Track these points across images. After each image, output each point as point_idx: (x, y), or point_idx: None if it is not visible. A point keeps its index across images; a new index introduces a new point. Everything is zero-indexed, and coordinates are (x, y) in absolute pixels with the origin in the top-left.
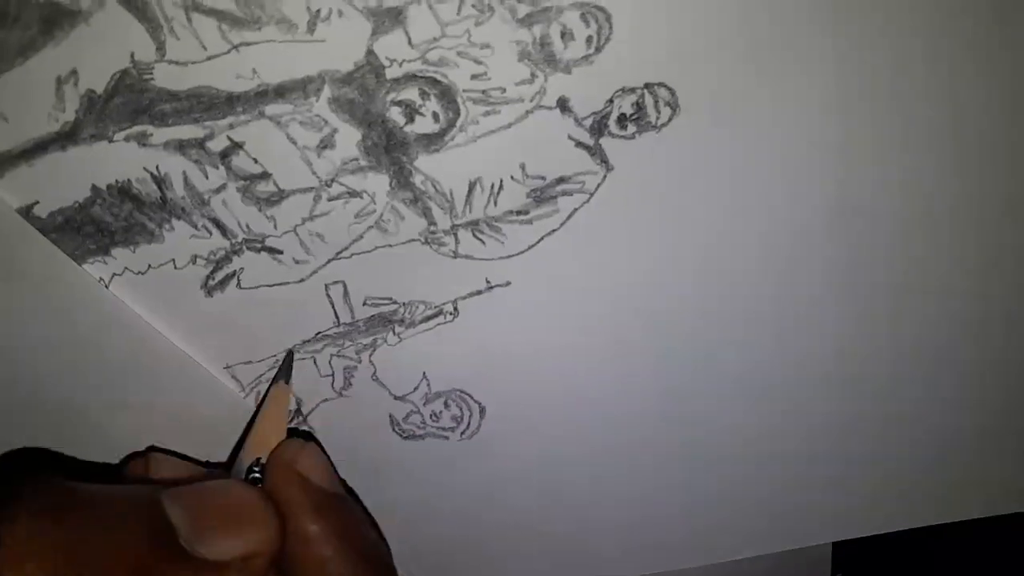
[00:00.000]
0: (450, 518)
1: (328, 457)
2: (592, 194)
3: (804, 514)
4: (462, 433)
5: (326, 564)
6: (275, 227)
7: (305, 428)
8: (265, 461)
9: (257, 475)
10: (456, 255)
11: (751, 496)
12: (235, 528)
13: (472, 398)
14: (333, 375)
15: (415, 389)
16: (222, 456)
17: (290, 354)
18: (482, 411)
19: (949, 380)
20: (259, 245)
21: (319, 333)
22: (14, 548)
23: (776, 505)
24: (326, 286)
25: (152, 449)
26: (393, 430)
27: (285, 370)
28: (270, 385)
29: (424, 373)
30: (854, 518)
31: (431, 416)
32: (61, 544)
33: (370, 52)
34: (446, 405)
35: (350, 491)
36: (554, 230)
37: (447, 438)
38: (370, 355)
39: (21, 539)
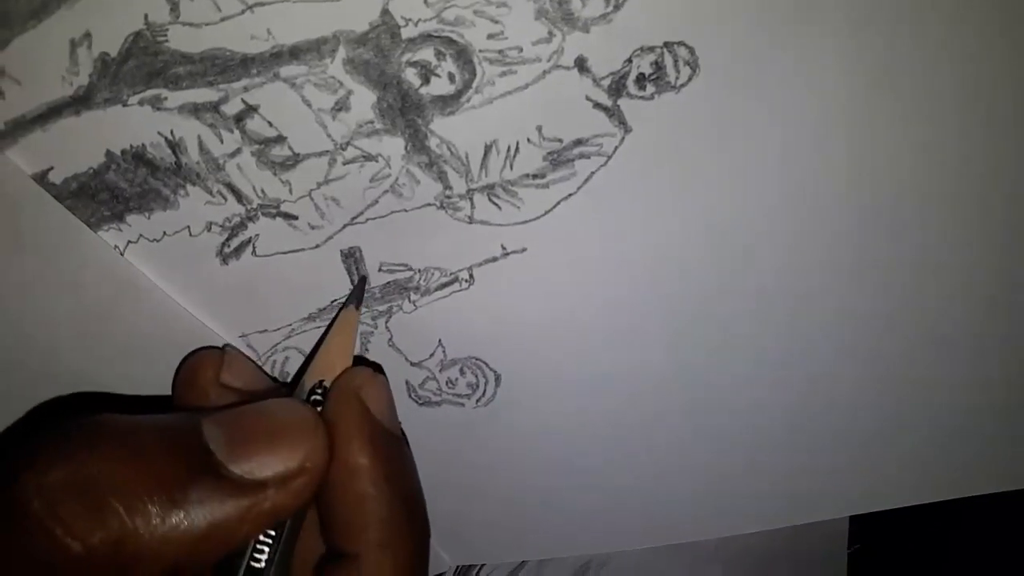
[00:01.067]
0: (465, 485)
1: (392, 394)
2: (610, 157)
3: (821, 488)
4: (477, 400)
5: (365, 501)
6: (290, 192)
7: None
8: (329, 384)
9: (319, 397)
10: (472, 220)
11: (768, 467)
12: (275, 444)
13: (488, 366)
14: None
15: (431, 356)
16: None
17: (363, 279)
18: (497, 379)
19: (966, 355)
20: (274, 211)
21: (334, 301)
22: (45, 474)
23: (793, 477)
24: (342, 253)
25: (228, 346)
26: (409, 396)
27: (357, 295)
28: (340, 310)
29: (440, 340)
30: (871, 492)
31: (447, 383)
32: (90, 469)
33: (385, 11)
34: (462, 372)
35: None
36: (571, 194)
37: (463, 405)
38: (386, 321)
39: (51, 465)
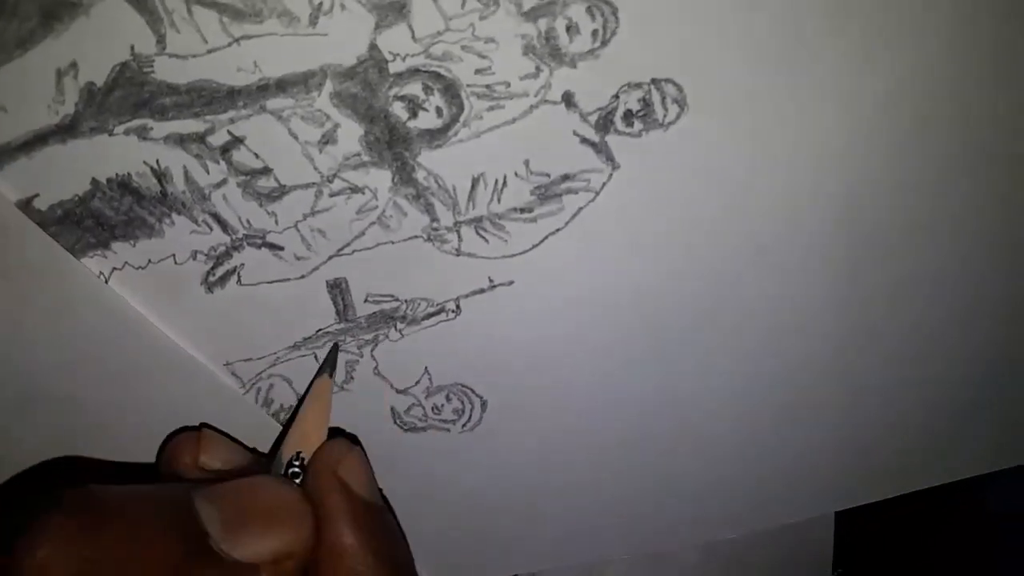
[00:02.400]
0: (451, 509)
1: (369, 463)
2: (598, 193)
3: (805, 487)
4: (463, 425)
5: None
6: (276, 223)
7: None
8: (307, 457)
9: (297, 469)
10: (459, 253)
11: (751, 474)
12: (267, 528)
13: (474, 392)
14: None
15: (417, 383)
16: None
17: (335, 348)
18: (483, 404)
19: (942, 352)
20: (260, 241)
21: (320, 330)
22: (44, 560)
23: (777, 478)
24: (327, 283)
25: (204, 426)
26: (395, 423)
27: (330, 363)
28: (314, 378)
29: (426, 367)
30: (852, 488)
31: (433, 409)
32: (89, 554)
33: (373, 46)
34: (448, 398)
35: (385, 500)
36: (558, 229)
37: (448, 430)
38: (372, 350)
39: (50, 551)
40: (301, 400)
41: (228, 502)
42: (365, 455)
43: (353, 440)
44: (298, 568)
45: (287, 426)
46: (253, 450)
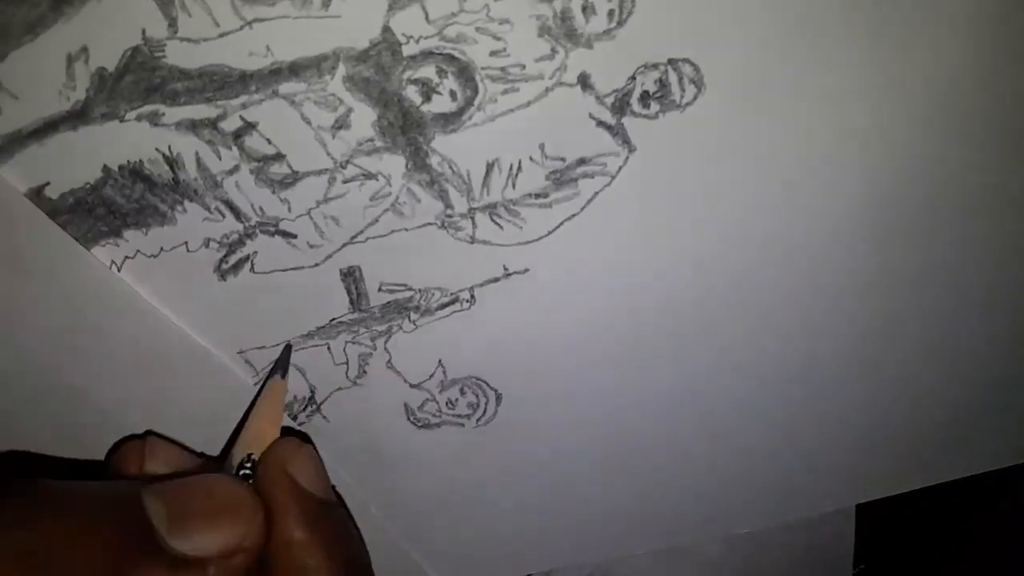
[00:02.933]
0: (465, 506)
1: (321, 460)
2: (614, 177)
3: (823, 480)
4: (478, 420)
5: (307, 573)
6: (289, 210)
7: (320, 417)
8: (258, 457)
9: (248, 471)
10: (473, 240)
11: (770, 467)
12: (215, 523)
13: (488, 385)
14: (347, 363)
15: (430, 376)
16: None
17: (288, 348)
18: (498, 398)
19: (963, 345)
20: (273, 228)
21: (333, 319)
22: None
23: (796, 471)
24: (341, 271)
25: (150, 433)
26: (408, 419)
27: (282, 364)
28: (266, 378)
29: (440, 360)
30: (873, 481)
31: (447, 404)
32: (31, 544)
33: (386, 28)
34: (462, 392)
35: (338, 496)
36: (574, 214)
37: (463, 425)
38: (385, 342)
39: None
40: (253, 402)
41: (176, 497)
42: (316, 452)
43: (304, 439)
44: (248, 564)
45: (238, 428)
46: (202, 455)
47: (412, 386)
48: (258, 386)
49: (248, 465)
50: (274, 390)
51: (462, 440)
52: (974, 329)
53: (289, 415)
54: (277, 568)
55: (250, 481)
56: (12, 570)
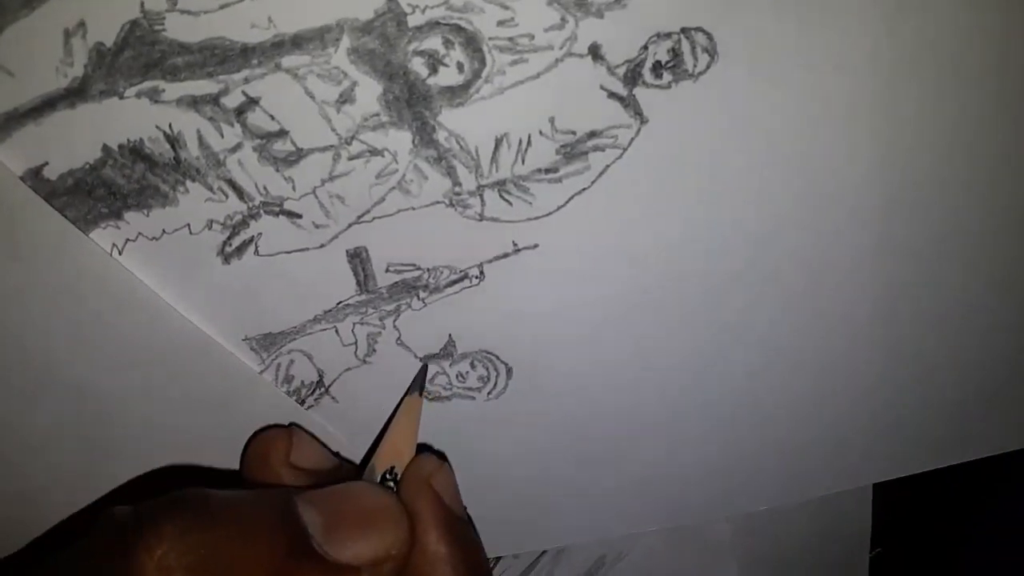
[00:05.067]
0: (476, 482)
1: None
2: (625, 149)
3: (837, 460)
4: (489, 393)
5: None
6: (293, 189)
7: (329, 399)
8: (400, 472)
9: (390, 484)
10: (482, 218)
11: (784, 444)
12: (368, 531)
13: (499, 359)
14: (356, 343)
15: (441, 350)
16: (234, 433)
17: (424, 368)
18: (509, 371)
19: (984, 322)
20: (277, 209)
21: (340, 302)
22: (162, 558)
23: (811, 449)
24: (347, 253)
25: (294, 425)
26: (419, 393)
27: (419, 382)
28: (403, 396)
29: (450, 335)
30: (891, 459)
31: (457, 377)
32: (202, 552)
33: None
34: (472, 366)
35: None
36: (584, 188)
37: (474, 399)
38: (394, 321)
39: (167, 549)
40: (391, 418)
41: (330, 505)
42: (453, 472)
43: (441, 457)
44: (396, 573)
45: (376, 441)
46: (338, 455)
47: (422, 359)
48: (265, 373)
49: (390, 477)
50: (411, 407)
51: (474, 413)
52: (995, 306)
53: (297, 400)
54: None
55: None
56: (187, 572)
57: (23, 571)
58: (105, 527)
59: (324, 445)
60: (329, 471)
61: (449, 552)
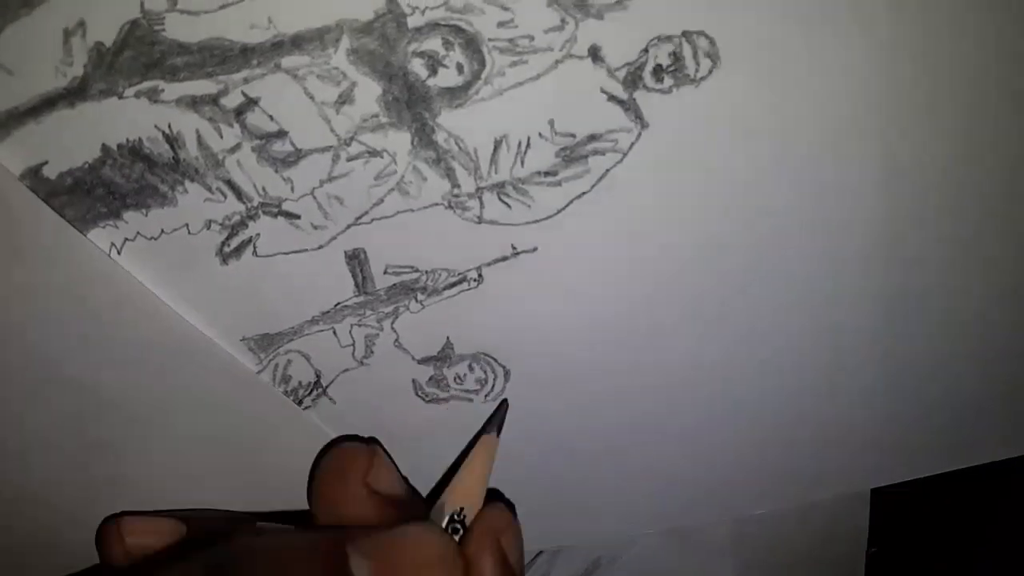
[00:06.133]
0: None
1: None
2: (625, 153)
3: (837, 464)
4: (486, 396)
5: None
6: (292, 190)
7: (327, 399)
8: (469, 516)
9: (458, 526)
10: (481, 220)
11: (782, 448)
12: None
13: (496, 361)
14: (354, 345)
15: (439, 352)
16: (232, 433)
17: (504, 404)
18: (507, 374)
19: (984, 329)
20: (276, 209)
21: (338, 304)
22: None
23: (808, 456)
24: (346, 254)
25: (374, 441)
26: (416, 394)
27: (498, 421)
28: (478, 433)
29: (448, 337)
30: (889, 465)
31: (455, 379)
32: None
33: None
34: (470, 368)
35: None
36: (584, 192)
37: (471, 400)
38: (392, 323)
39: None
40: (464, 453)
41: (383, 553)
42: (521, 532)
43: (510, 507)
44: None
45: (447, 476)
46: (409, 483)
47: (420, 363)
48: (263, 374)
49: (458, 520)
50: (487, 446)
51: (472, 415)
52: (996, 313)
53: (294, 400)
54: None
55: (456, 537)
56: None
57: None
58: None
59: (397, 469)
60: (401, 500)
61: None
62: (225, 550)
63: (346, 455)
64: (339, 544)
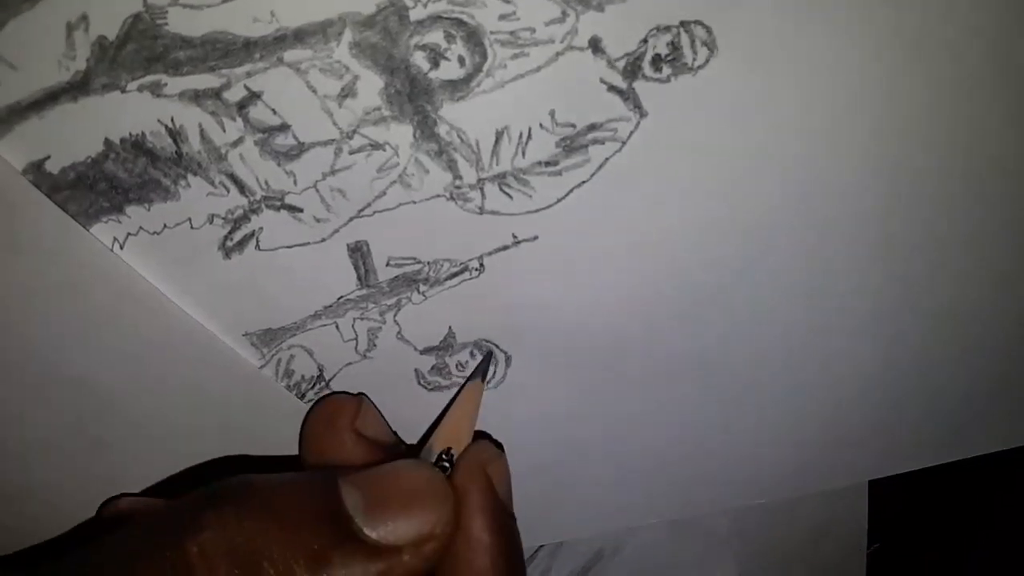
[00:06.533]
0: None
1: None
2: (625, 142)
3: (835, 456)
4: (488, 383)
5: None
6: (295, 183)
7: (327, 392)
8: (456, 454)
9: (446, 464)
10: (482, 211)
11: (782, 439)
12: (411, 509)
13: (498, 348)
14: (356, 338)
15: (441, 341)
16: (234, 427)
17: (489, 354)
18: (508, 360)
19: (982, 321)
20: (278, 203)
21: (341, 297)
22: (203, 546)
23: (807, 447)
24: (348, 247)
25: (363, 395)
26: (419, 383)
27: (483, 369)
28: (466, 381)
29: (450, 327)
30: (888, 456)
31: (457, 366)
32: (244, 541)
33: None
34: (472, 355)
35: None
36: (584, 181)
37: None
38: (394, 315)
39: (208, 536)
40: (451, 401)
41: (373, 484)
42: (508, 464)
43: (498, 446)
44: (437, 554)
45: (435, 423)
46: (396, 435)
47: (422, 352)
48: (265, 369)
49: (446, 459)
50: (473, 392)
51: None
52: (994, 304)
53: (297, 395)
54: (453, 564)
55: (446, 474)
56: (223, 566)
57: (47, 568)
58: (144, 518)
59: (386, 422)
60: (388, 446)
61: (492, 541)
62: (222, 482)
63: (334, 403)
64: (331, 477)
